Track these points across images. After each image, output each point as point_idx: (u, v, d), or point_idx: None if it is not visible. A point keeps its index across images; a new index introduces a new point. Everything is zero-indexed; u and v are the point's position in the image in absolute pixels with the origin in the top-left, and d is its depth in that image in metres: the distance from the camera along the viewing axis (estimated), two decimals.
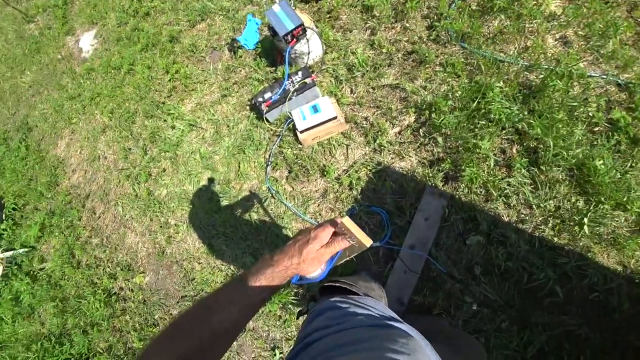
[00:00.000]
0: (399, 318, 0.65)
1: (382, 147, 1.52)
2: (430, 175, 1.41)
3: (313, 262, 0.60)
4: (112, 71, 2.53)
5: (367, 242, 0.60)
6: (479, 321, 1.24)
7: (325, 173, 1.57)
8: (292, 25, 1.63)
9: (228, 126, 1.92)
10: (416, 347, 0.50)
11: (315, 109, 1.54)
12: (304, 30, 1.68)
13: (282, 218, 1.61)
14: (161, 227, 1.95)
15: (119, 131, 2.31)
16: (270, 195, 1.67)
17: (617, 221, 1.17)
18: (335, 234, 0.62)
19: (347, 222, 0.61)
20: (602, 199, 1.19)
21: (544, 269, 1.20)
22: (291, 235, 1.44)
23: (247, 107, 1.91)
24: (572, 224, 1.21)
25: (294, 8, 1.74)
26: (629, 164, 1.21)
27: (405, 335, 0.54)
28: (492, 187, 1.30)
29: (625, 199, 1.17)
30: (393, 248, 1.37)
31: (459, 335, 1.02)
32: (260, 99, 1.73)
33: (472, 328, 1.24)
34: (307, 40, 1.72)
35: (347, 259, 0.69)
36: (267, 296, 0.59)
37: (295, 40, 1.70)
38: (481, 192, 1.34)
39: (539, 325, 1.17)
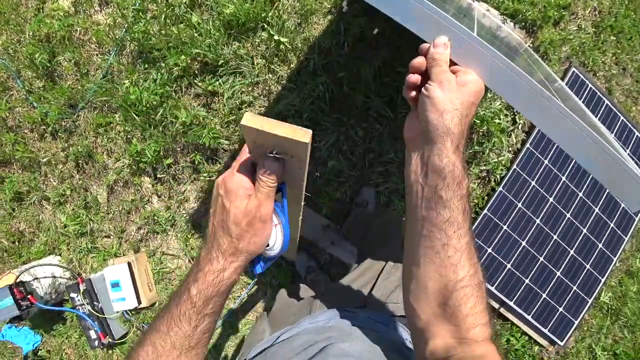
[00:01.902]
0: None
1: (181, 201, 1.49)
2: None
3: (253, 227, 0.38)
4: None
5: (302, 136, 0.35)
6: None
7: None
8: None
9: None
10: None
11: (115, 286, 1.39)
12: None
13: None
14: None
15: None
16: None
17: None
18: (255, 166, 0.40)
19: (250, 120, 0.34)
20: None
21: None
22: None
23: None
24: None
25: None
26: None
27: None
28: None
29: None
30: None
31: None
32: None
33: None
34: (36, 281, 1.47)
35: (300, 183, 0.43)
36: (214, 323, 0.40)
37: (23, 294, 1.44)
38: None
39: None
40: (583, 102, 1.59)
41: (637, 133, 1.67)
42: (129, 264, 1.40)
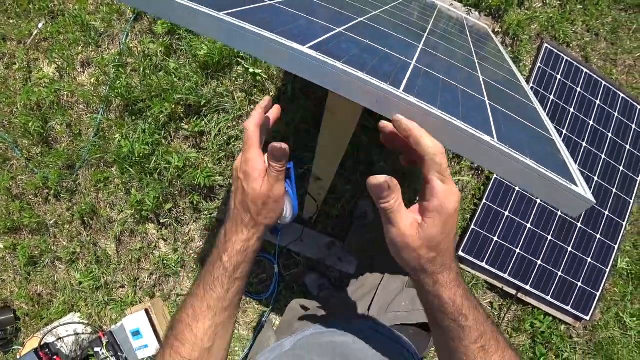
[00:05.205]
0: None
1: (187, 242, 1.52)
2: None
3: (267, 206, 0.42)
4: None
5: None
6: None
7: None
8: None
9: None
10: None
11: (136, 334, 1.41)
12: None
13: None
14: None
15: None
16: None
17: None
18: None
19: None
20: None
21: None
22: None
23: None
24: None
25: None
26: None
27: None
28: None
29: None
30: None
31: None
32: None
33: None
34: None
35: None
36: (242, 287, 0.44)
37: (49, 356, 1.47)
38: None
39: None
40: (561, 75, 1.60)
41: (622, 95, 1.68)
42: (147, 311, 1.42)
